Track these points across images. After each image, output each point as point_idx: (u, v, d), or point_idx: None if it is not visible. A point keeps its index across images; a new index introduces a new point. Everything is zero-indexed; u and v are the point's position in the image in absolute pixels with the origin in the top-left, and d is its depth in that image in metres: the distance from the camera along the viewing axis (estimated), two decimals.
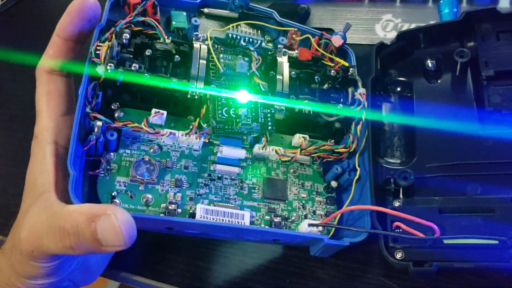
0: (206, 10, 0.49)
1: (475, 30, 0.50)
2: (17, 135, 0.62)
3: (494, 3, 0.57)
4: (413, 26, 0.60)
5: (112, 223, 0.34)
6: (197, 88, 0.43)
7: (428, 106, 0.50)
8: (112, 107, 0.43)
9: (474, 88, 0.49)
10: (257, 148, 0.46)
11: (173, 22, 0.46)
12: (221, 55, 0.45)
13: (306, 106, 0.46)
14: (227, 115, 0.44)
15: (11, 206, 0.55)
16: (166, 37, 0.44)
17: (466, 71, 0.50)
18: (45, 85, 0.42)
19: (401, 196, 0.45)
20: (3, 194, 0.57)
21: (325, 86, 0.49)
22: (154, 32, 0.44)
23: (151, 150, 0.43)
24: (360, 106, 0.47)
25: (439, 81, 0.51)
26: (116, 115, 0.43)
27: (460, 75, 0.50)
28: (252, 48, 0.46)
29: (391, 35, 0.61)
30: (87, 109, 0.40)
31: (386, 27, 0.62)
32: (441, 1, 0.57)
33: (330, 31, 0.63)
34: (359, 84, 0.48)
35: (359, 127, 0.46)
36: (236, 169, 0.45)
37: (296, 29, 0.49)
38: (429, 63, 0.52)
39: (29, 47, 0.70)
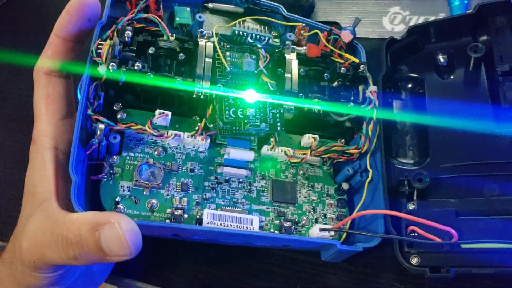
0: (210, 5, 0.47)
1: (488, 24, 0.48)
2: (16, 135, 0.60)
3: None
4: (422, 18, 0.58)
5: (117, 232, 0.33)
6: (203, 88, 0.41)
7: (441, 103, 0.48)
8: (115, 108, 0.41)
9: (488, 84, 0.47)
10: (265, 149, 0.44)
11: (177, 18, 0.44)
12: (227, 53, 0.43)
13: (316, 105, 0.44)
14: (234, 116, 0.42)
15: (10, 210, 0.54)
16: (169, 34, 0.42)
17: (480, 66, 0.48)
18: (43, 88, 0.40)
19: (415, 198, 0.44)
20: (2, 198, 0.55)
21: (335, 83, 0.47)
22: (157, 29, 0.42)
23: (156, 153, 0.42)
24: (371, 105, 0.45)
25: (451, 76, 0.49)
26: (118, 116, 0.41)
27: (473, 70, 0.48)
28: (259, 46, 0.44)
29: (399, 28, 0.59)
30: (89, 111, 0.38)
31: (394, 20, 0.60)
32: None
33: (336, 25, 0.62)
34: (370, 81, 0.47)
35: (370, 127, 0.44)
36: (243, 172, 0.43)
37: (304, 24, 0.47)
38: (441, 58, 0.50)
39: (25, 43, 0.69)
